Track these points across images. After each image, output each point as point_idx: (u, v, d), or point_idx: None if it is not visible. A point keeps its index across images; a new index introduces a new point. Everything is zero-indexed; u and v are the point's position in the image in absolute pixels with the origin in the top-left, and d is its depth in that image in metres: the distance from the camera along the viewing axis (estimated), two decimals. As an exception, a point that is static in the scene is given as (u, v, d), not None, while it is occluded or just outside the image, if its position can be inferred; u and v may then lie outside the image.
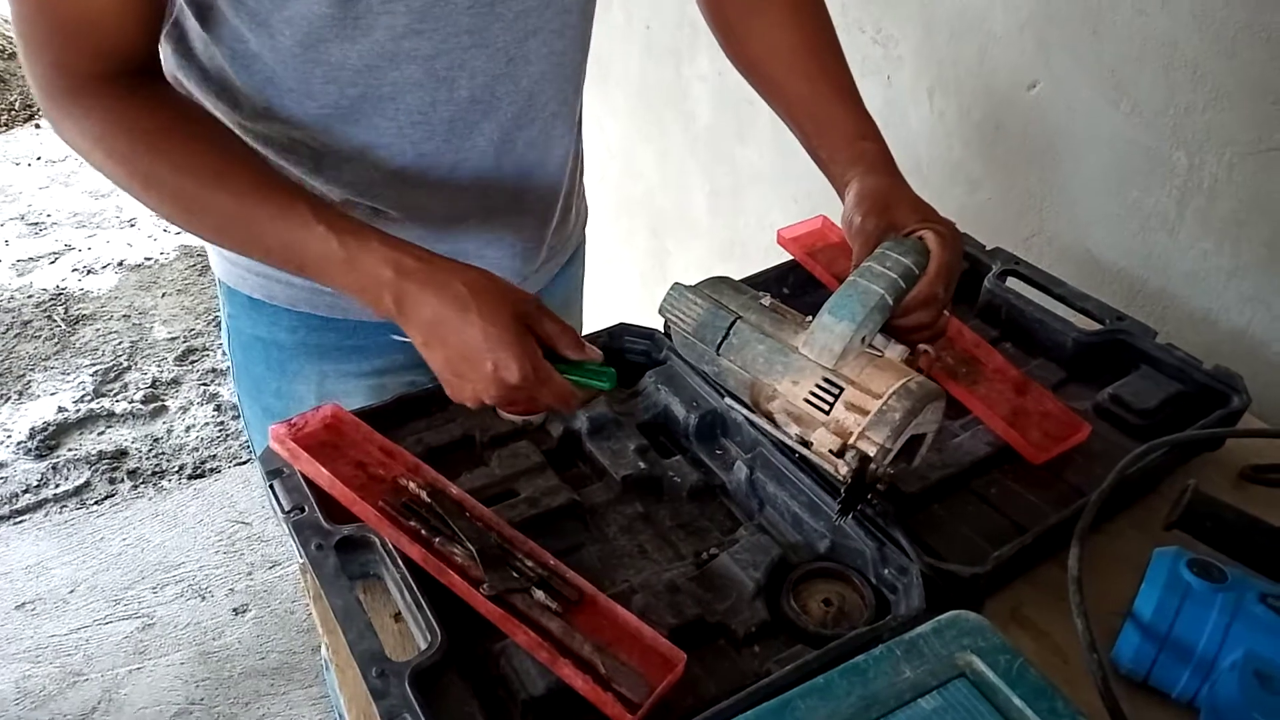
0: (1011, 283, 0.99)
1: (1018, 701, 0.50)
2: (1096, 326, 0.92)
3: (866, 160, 0.77)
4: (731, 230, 1.69)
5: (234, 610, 1.87)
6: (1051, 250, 1.10)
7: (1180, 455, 0.81)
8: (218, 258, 0.92)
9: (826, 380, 0.65)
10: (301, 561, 0.70)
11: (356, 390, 0.95)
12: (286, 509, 0.69)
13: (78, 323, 2.69)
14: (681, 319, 0.71)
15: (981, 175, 1.16)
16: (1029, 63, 1.05)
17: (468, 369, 0.67)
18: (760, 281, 0.99)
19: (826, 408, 0.64)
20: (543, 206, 0.91)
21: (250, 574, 1.94)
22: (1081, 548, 0.66)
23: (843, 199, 0.78)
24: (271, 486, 0.71)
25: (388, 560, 0.66)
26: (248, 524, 2.04)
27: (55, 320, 2.69)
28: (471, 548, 0.65)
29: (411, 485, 0.71)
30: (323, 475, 0.69)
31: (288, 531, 0.68)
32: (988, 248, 1.02)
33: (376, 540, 0.67)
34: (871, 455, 0.62)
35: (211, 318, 2.69)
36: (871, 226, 0.73)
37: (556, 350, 0.70)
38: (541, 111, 0.84)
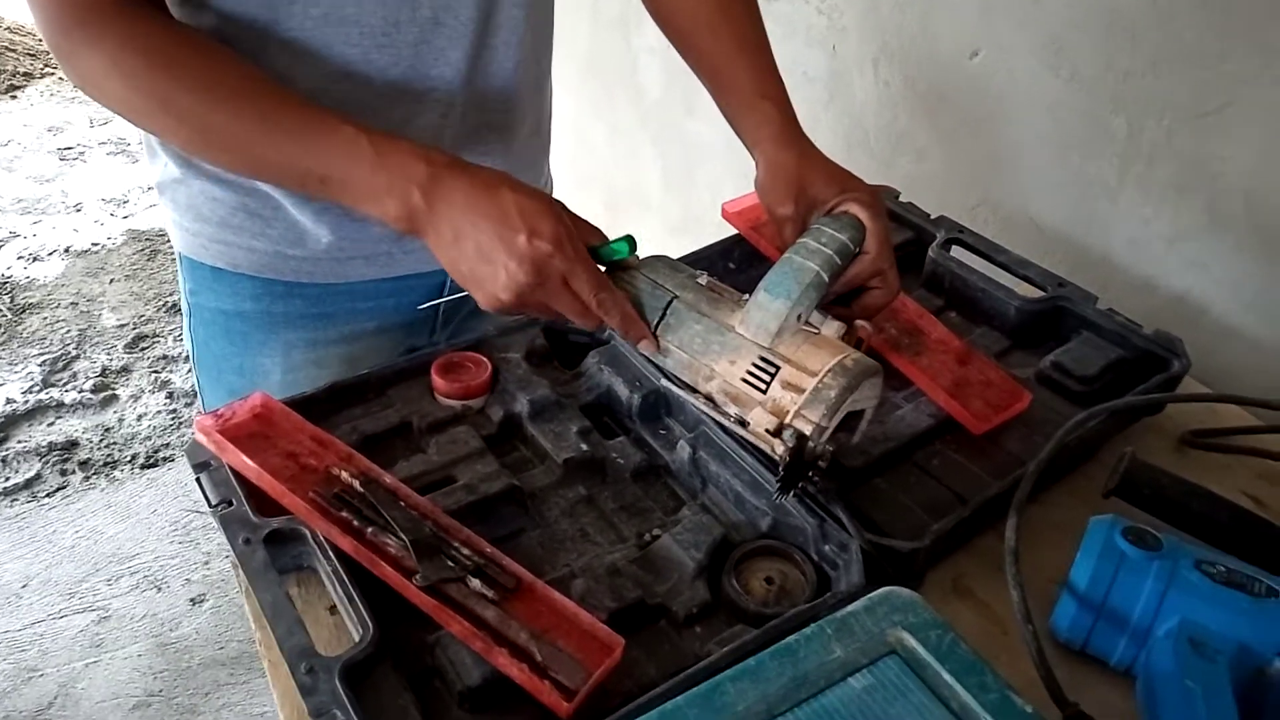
0: (956, 251, 0.98)
1: (947, 677, 0.50)
2: (1039, 294, 0.92)
3: (769, 126, 0.77)
4: (684, 205, 1.67)
5: (191, 600, 1.84)
6: (996, 219, 1.09)
7: (1121, 421, 0.82)
8: (179, 230, 0.89)
9: (763, 359, 0.64)
10: (231, 558, 0.68)
11: (326, 360, 0.93)
12: (214, 503, 0.67)
13: (24, 311, 2.62)
14: None
15: (927, 144, 1.15)
16: (971, 31, 1.04)
17: (500, 247, 0.64)
18: (705, 257, 0.98)
19: (763, 387, 0.64)
20: (506, 149, 0.89)
21: (207, 563, 1.91)
22: (1019, 519, 0.66)
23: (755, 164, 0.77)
24: (199, 480, 0.69)
25: (319, 553, 0.65)
26: (203, 513, 2.01)
27: (0, 310, 2.62)
28: (405, 538, 0.64)
29: (344, 475, 0.69)
30: (250, 467, 0.67)
31: (216, 525, 0.67)
32: (932, 216, 1.02)
33: (308, 533, 0.65)
34: (808, 434, 0.61)
35: (162, 303, 2.63)
36: (791, 210, 0.73)
37: (584, 239, 0.68)
38: (495, 37, 0.81)
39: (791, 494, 0.69)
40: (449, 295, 0.95)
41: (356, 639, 0.60)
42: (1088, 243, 1.01)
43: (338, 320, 0.92)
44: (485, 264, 0.65)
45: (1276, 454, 0.81)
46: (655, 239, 1.80)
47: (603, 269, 0.70)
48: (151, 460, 2.15)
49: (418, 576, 0.62)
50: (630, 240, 0.70)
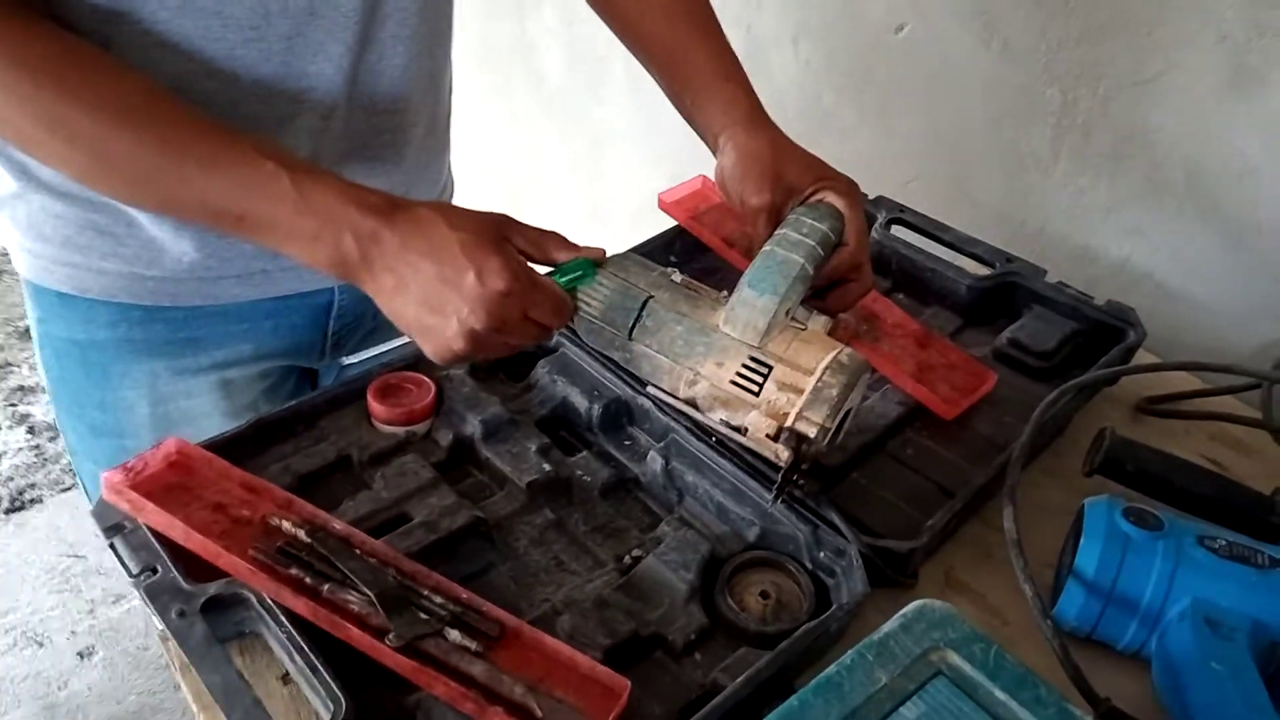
0: (897, 231, 0.96)
1: (1000, 694, 0.46)
2: (985, 270, 0.91)
3: (738, 110, 0.72)
4: (594, 193, 1.61)
5: (79, 654, 1.67)
6: (929, 196, 1.08)
7: (1084, 395, 0.81)
8: (20, 251, 0.77)
9: (753, 359, 0.59)
10: (161, 629, 0.59)
11: (198, 390, 0.83)
12: (135, 572, 0.57)
13: None
14: (587, 302, 0.63)
15: (853, 123, 1.13)
16: (896, 4, 1.02)
17: (448, 294, 0.57)
18: (646, 251, 0.92)
19: (756, 389, 0.59)
20: (398, 153, 0.81)
21: (92, 612, 1.74)
22: (1015, 508, 0.64)
23: (713, 151, 0.73)
24: (113, 546, 0.59)
25: (268, 618, 0.56)
26: (81, 557, 1.82)
27: None
28: (368, 592, 0.56)
29: (285, 525, 0.61)
30: (175, 527, 0.58)
31: (140, 598, 0.57)
32: (869, 197, 0.99)
33: (252, 596, 0.57)
34: (811, 436, 0.57)
35: (12, 329, 2.39)
36: (766, 200, 0.69)
37: (546, 255, 0.63)
38: (381, 30, 0.73)
39: (781, 499, 0.65)
40: (337, 315, 0.87)
41: (325, 716, 0.52)
42: (1024, 216, 1.00)
43: (208, 346, 0.82)
44: (434, 314, 0.58)
45: (1227, 415, 0.82)
46: (564, 229, 1.73)
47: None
48: (17, 503, 1.94)
49: (390, 636, 0.55)
50: (587, 264, 0.64)
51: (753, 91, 0.73)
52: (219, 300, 0.80)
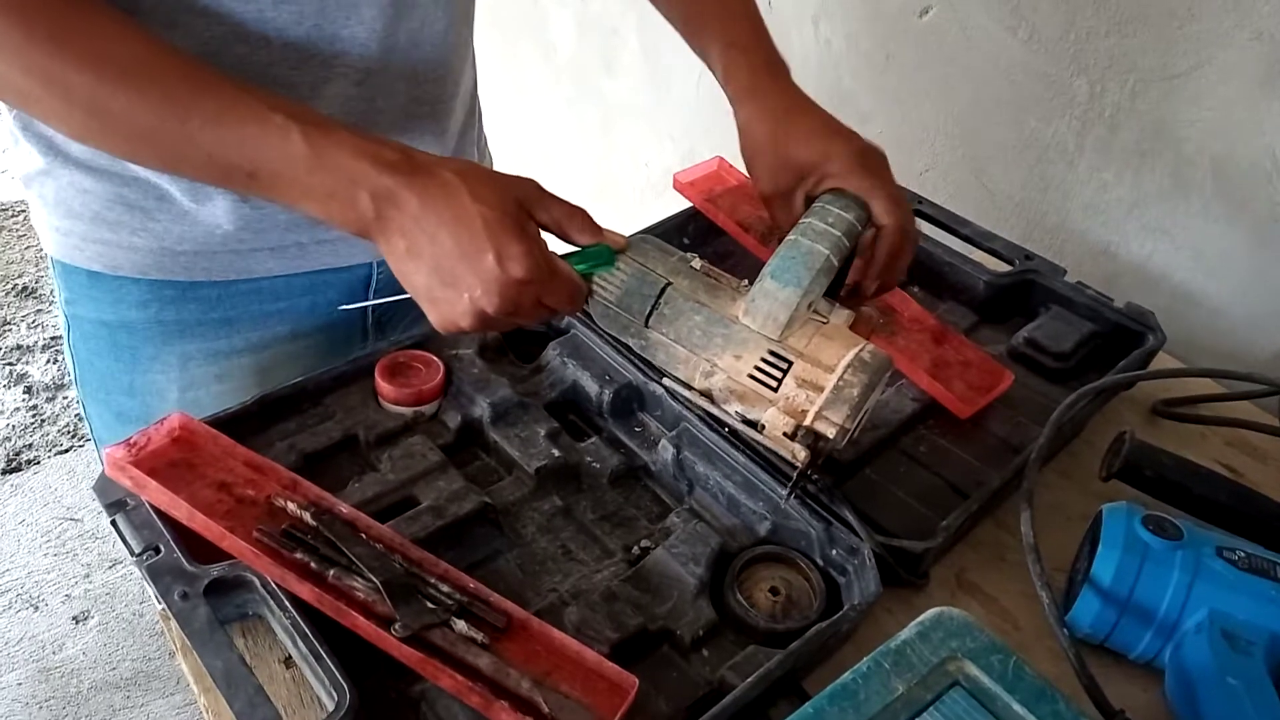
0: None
1: (1018, 707, 0.45)
2: (1003, 267, 0.90)
3: (735, 83, 0.70)
4: (603, 169, 1.59)
5: (73, 618, 1.67)
6: (947, 185, 1.06)
7: (1101, 398, 0.80)
8: (49, 230, 0.75)
9: (773, 353, 0.58)
10: (162, 608, 0.58)
11: (231, 373, 0.81)
12: (137, 551, 0.56)
13: None
14: (603, 287, 0.61)
15: (872, 107, 1.11)
16: (921, -13, 1.00)
17: (464, 270, 0.55)
18: (659, 232, 0.90)
19: (774, 384, 0.58)
20: (436, 125, 0.79)
21: (88, 576, 1.74)
22: (1032, 511, 0.63)
23: None
24: (114, 523, 0.58)
25: (272, 602, 0.55)
26: (78, 520, 1.82)
27: None
28: (375, 579, 0.56)
29: (290, 506, 0.60)
30: (179, 506, 0.57)
31: (142, 577, 0.57)
32: (887, 185, 0.98)
33: (255, 579, 0.56)
34: (831, 437, 0.56)
35: (10, 286, 2.37)
36: (773, 187, 0.67)
37: (567, 235, 0.60)
38: None
39: (794, 495, 0.64)
40: (376, 292, 0.85)
41: (329, 706, 0.51)
42: (1044, 208, 0.99)
43: (243, 326, 0.80)
44: (445, 287, 0.56)
45: (1245, 422, 0.81)
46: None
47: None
48: (14, 464, 1.93)
49: (396, 625, 0.54)
50: (608, 250, 0.61)
51: (758, 55, 0.70)
52: (253, 273, 0.77)
